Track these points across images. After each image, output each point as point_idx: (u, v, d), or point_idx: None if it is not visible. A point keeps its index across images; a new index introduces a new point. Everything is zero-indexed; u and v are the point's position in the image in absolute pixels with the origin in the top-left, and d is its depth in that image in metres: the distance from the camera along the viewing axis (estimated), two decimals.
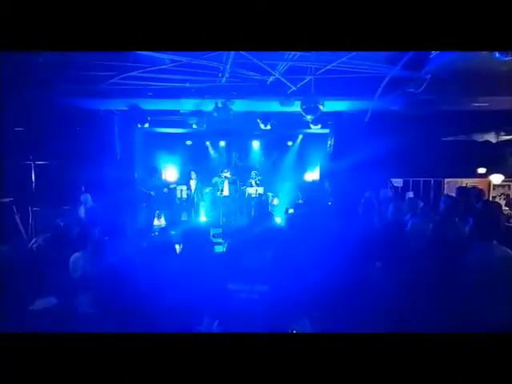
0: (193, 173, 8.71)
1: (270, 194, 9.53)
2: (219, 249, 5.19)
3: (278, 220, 5.57)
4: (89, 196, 6.42)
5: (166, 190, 8.63)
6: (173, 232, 6.74)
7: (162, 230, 4.61)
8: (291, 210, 6.35)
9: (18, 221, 6.17)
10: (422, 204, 4.03)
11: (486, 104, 5.93)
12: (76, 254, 3.22)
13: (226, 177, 9.13)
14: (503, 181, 8.03)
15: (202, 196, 8.91)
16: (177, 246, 4.30)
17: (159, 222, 8.78)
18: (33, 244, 4.00)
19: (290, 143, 10.25)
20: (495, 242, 2.58)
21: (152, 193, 8.15)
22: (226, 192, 9.13)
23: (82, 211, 6.21)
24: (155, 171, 8.77)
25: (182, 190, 8.79)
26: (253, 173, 9.54)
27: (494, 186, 8.21)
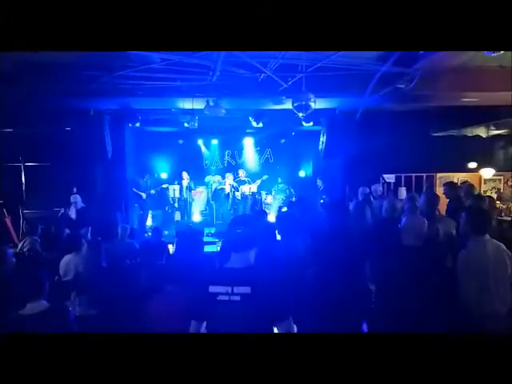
0: (184, 173, 8.59)
1: (263, 192, 9.49)
2: (213, 248, 5.17)
3: (271, 218, 5.56)
4: (78, 197, 6.34)
5: (153, 191, 8.45)
6: (166, 232, 6.67)
7: (154, 230, 4.58)
8: (285, 209, 6.34)
9: (9, 223, 6.08)
10: (416, 200, 4.03)
11: (476, 99, 5.98)
12: (67, 257, 3.17)
13: (230, 184, 8.95)
14: (494, 175, 8.16)
15: (193, 196, 8.83)
16: (170, 246, 4.28)
17: (152, 222, 8.71)
18: (23, 247, 3.93)
19: (282, 141, 10.23)
20: (488, 236, 2.60)
21: (144, 194, 8.07)
22: (227, 192, 9.03)
23: (72, 212, 6.14)
24: (147, 171, 8.68)
25: (174, 190, 8.69)
26: (240, 171, 9.45)
27: (485, 180, 8.34)
